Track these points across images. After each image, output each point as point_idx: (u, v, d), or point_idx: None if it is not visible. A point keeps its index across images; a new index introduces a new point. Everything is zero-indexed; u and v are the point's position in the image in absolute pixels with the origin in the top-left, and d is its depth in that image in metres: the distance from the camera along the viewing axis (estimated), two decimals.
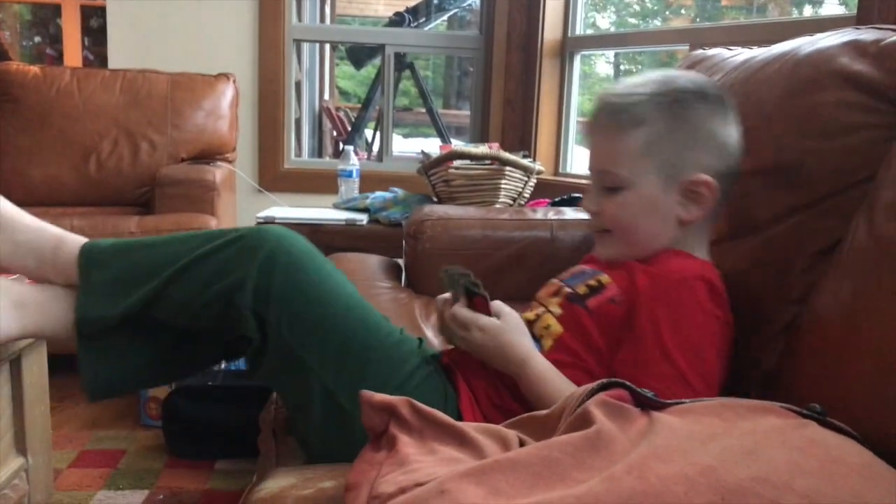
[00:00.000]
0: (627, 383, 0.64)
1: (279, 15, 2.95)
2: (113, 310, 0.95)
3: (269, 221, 2.03)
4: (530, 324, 1.01)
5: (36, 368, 1.30)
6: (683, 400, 0.65)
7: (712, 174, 0.96)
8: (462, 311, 0.96)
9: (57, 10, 6.81)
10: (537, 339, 0.99)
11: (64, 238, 1.02)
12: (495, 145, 2.15)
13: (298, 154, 3.27)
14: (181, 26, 2.89)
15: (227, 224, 2.47)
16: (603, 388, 0.64)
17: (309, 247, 0.98)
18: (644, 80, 0.99)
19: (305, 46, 3.72)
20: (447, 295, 1.00)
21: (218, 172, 2.39)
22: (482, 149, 2.09)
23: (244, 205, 2.85)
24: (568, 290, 1.03)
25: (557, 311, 1.01)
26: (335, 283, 0.97)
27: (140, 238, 1.06)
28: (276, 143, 3.02)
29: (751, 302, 0.98)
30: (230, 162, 2.71)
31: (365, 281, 1.62)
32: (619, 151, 0.98)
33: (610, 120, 0.99)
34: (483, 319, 0.94)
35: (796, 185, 0.98)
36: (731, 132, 0.98)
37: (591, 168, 1.04)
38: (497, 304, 0.97)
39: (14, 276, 1.06)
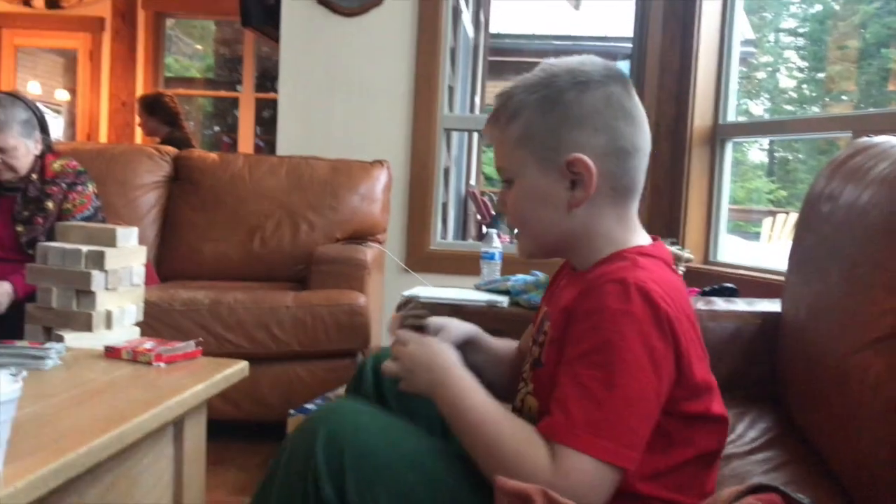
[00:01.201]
0: (780, 487, 0.60)
1: (432, 106, 3.11)
2: None
3: (414, 299, 2.08)
4: (519, 412, 0.98)
5: (196, 431, 1.38)
6: None
7: (592, 153, 0.93)
8: (406, 331, 1.03)
9: (234, 103, 7.50)
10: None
11: None
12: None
13: (444, 236, 3.38)
14: (343, 117, 3.11)
15: (375, 302, 2.57)
16: (753, 490, 0.61)
17: (362, 422, 0.92)
18: (525, 75, 0.99)
19: (454, 134, 3.88)
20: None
21: (369, 252, 2.51)
22: None
23: (391, 283, 2.95)
24: (531, 357, 1.00)
25: (530, 385, 0.98)
26: (404, 447, 0.92)
27: None
28: (423, 226, 3.13)
29: None
30: (380, 242, 2.84)
31: None
32: (503, 146, 0.99)
33: (493, 117, 1.00)
34: (423, 337, 1.01)
35: None
36: (617, 109, 0.94)
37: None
38: (443, 323, 1.07)
39: None
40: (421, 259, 3.11)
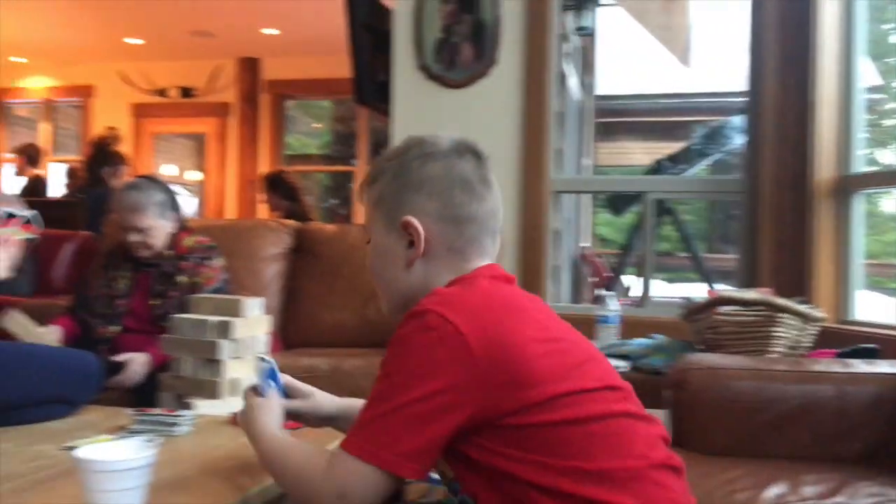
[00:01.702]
0: None
1: (541, 169, 3.12)
2: None
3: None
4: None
5: None
6: None
7: (427, 216, 1.02)
8: (245, 391, 1.15)
9: (349, 176, 7.82)
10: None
11: None
12: (766, 290, 2.03)
13: (557, 299, 3.33)
14: None
15: None
16: None
17: None
18: (392, 146, 1.11)
19: (564, 196, 3.87)
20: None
21: None
22: (752, 294, 1.98)
23: None
24: None
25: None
26: None
27: None
28: (535, 289, 3.10)
29: None
30: None
31: None
32: (366, 208, 1.09)
33: (362, 181, 1.11)
34: (252, 397, 1.12)
35: None
36: (454, 179, 1.03)
37: None
38: (271, 391, 1.13)
39: None
40: None
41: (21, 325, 2.04)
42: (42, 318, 2.30)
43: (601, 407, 0.92)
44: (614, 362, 2.08)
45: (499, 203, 1.09)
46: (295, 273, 2.97)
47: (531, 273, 3.10)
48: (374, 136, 7.06)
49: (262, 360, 1.17)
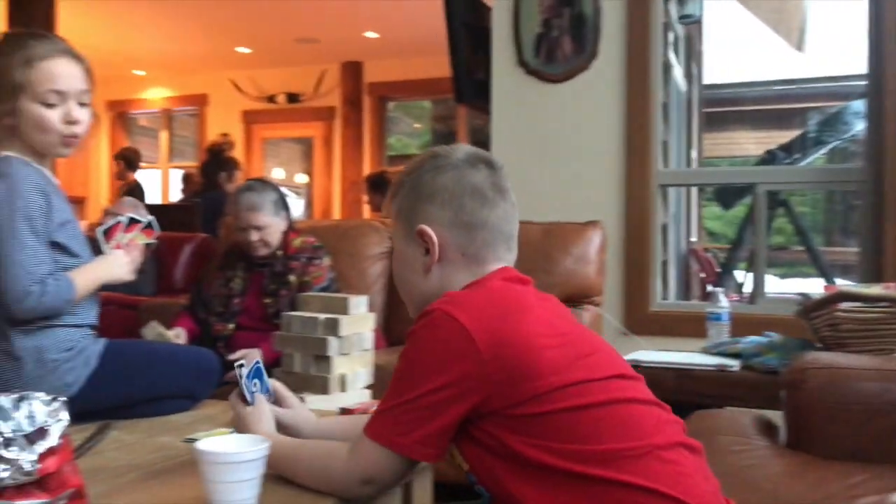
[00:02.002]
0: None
1: (646, 163, 3.05)
2: None
3: (636, 365, 2.01)
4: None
5: (423, 493, 1.42)
6: None
7: (440, 225, 1.08)
8: (232, 398, 1.25)
9: None
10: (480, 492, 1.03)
11: None
12: (892, 285, 1.90)
13: (665, 297, 3.25)
14: (554, 180, 3.14)
15: None
16: None
17: None
18: (414, 158, 1.16)
19: (671, 189, 3.76)
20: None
21: (586, 315, 2.47)
22: (876, 289, 1.86)
23: None
24: None
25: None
26: None
27: None
28: (642, 287, 3.03)
29: None
30: (597, 305, 2.79)
31: (736, 440, 1.50)
32: (391, 218, 1.16)
33: (387, 198, 1.17)
34: (240, 409, 1.22)
35: None
36: (465, 188, 1.08)
37: None
38: (257, 398, 1.22)
39: None
40: (641, 321, 3.00)
41: (157, 334, 2.18)
42: (163, 315, 2.44)
43: (608, 394, 0.97)
44: (726, 361, 2.01)
45: (513, 209, 1.13)
46: None
47: (636, 269, 3.04)
48: (474, 134, 7.08)
49: (242, 365, 1.25)
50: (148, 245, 1.74)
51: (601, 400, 0.96)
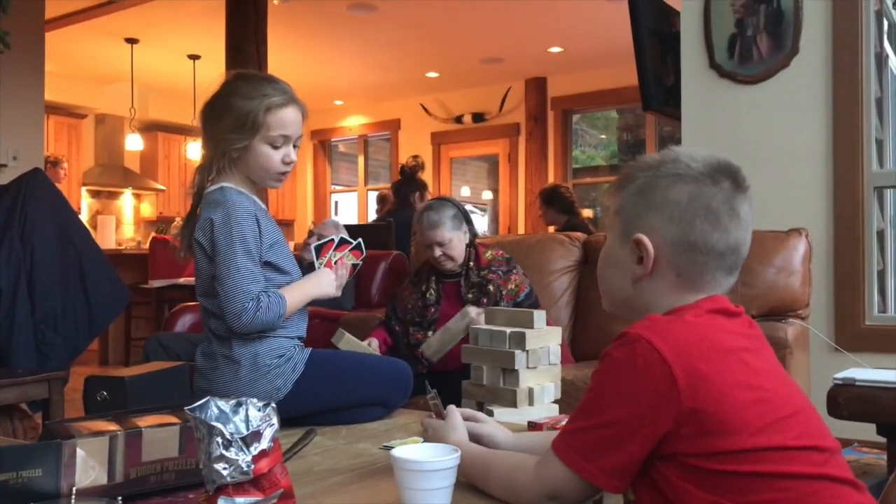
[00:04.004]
0: None
1: (856, 164, 2.79)
2: None
3: (849, 384, 1.84)
4: None
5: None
6: None
7: (662, 239, 1.01)
8: (426, 419, 1.35)
9: None
10: None
11: None
12: None
13: (882, 309, 2.94)
14: (755, 185, 2.95)
15: (802, 384, 2.32)
16: None
17: None
18: (650, 155, 1.07)
19: (888, 192, 3.41)
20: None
21: (790, 330, 2.30)
22: None
23: (818, 365, 2.65)
24: None
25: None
26: None
27: None
28: (855, 299, 2.77)
29: None
30: (803, 319, 2.59)
31: None
32: (610, 210, 1.09)
33: (612, 184, 1.11)
34: (433, 421, 1.30)
35: None
36: (699, 207, 1.00)
37: None
38: (450, 409, 1.28)
39: None
40: (853, 336, 2.74)
41: (349, 343, 2.31)
42: (361, 328, 2.59)
43: (796, 467, 0.90)
44: None
45: (746, 235, 1.04)
46: (584, 285, 2.98)
47: (848, 280, 2.78)
48: (663, 142, 6.85)
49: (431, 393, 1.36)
50: (355, 265, 1.85)
51: (787, 472, 0.90)
